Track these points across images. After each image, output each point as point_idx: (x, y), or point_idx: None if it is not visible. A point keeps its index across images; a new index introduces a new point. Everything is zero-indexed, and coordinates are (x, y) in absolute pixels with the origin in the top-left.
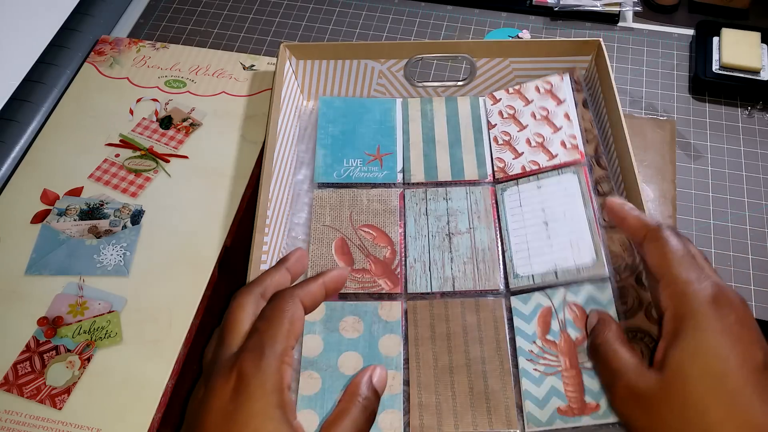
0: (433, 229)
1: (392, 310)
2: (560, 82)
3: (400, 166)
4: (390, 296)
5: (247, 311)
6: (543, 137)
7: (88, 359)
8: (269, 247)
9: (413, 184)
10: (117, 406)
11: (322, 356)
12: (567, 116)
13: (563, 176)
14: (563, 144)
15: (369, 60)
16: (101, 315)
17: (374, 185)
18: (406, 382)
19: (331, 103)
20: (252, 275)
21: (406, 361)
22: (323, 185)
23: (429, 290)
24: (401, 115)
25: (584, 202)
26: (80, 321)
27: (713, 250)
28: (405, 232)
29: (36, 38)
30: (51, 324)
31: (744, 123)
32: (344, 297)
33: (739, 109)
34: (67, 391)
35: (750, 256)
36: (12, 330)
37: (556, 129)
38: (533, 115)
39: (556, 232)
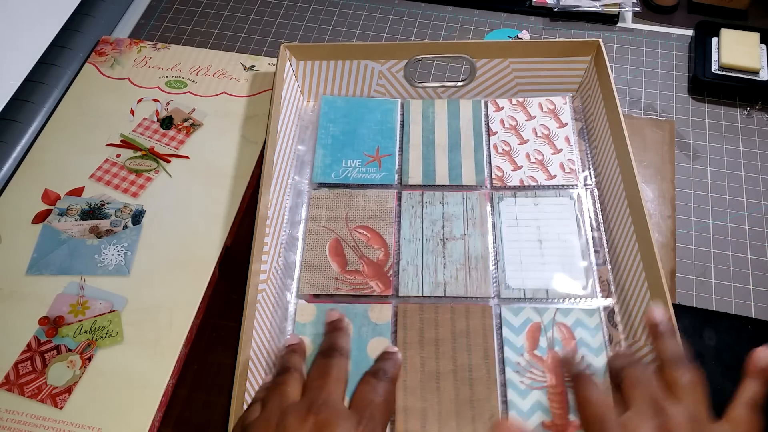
0: (427, 233)
1: (382, 313)
2: (563, 105)
3: (398, 168)
4: (381, 298)
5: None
6: (542, 155)
7: (89, 359)
8: (269, 247)
9: (410, 186)
10: (117, 406)
11: (312, 358)
12: (567, 140)
13: (560, 199)
14: (562, 167)
15: (369, 60)
16: (102, 315)
17: (371, 186)
18: None
19: (333, 102)
20: (252, 275)
21: None
22: (321, 185)
23: (420, 294)
24: (402, 117)
25: (578, 229)
26: (81, 321)
27: (712, 250)
28: (399, 234)
29: (37, 39)
30: (52, 323)
31: (743, 123)
32: (334, 298)
33: (738, 110)
34: (68, 390)
35: (749, 256)
36: (13, 330)
37: (556, 150)
38: (534, 132)
39: (549, 252)
